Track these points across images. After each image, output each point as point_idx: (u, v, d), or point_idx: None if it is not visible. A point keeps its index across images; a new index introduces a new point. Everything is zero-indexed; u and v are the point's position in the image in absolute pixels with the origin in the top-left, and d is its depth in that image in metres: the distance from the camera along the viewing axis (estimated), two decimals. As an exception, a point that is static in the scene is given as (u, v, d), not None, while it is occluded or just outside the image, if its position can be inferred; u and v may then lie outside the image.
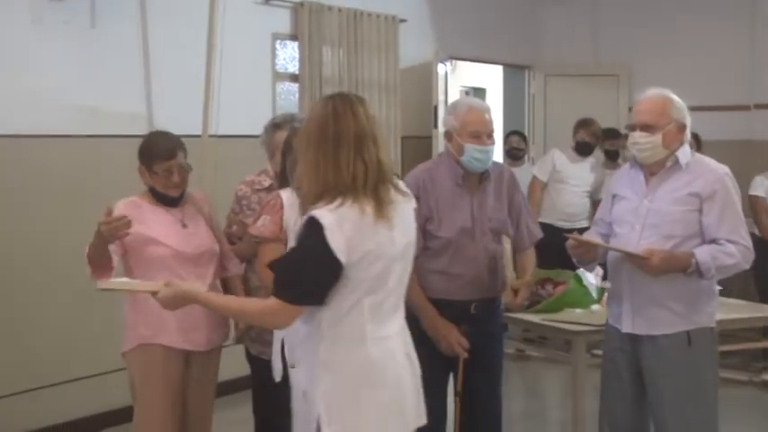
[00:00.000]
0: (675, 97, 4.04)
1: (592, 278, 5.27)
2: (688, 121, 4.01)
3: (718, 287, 5.61)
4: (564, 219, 7.68)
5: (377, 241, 2.92)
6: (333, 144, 2.94)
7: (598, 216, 4.39)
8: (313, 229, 2.85)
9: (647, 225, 3.98)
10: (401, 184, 3.14)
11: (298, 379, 3.13)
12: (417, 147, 8.22)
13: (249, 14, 6.95)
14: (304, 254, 2.90)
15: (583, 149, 7.92)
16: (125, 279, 3.74)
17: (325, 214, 2.86)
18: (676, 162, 3.98)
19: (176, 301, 3.15)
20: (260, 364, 4.25)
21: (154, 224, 3.97)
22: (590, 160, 7.95)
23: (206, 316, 3.90)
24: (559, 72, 10.14)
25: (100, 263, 3.76)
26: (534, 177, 7.94)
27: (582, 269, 5.17)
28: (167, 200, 4.06)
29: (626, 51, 9.87)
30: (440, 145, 8.27)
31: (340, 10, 7.52)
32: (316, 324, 2.97)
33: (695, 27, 9.51)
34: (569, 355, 5.11)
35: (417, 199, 4.18)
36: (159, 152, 3.99)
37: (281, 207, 3.92)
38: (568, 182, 7.84)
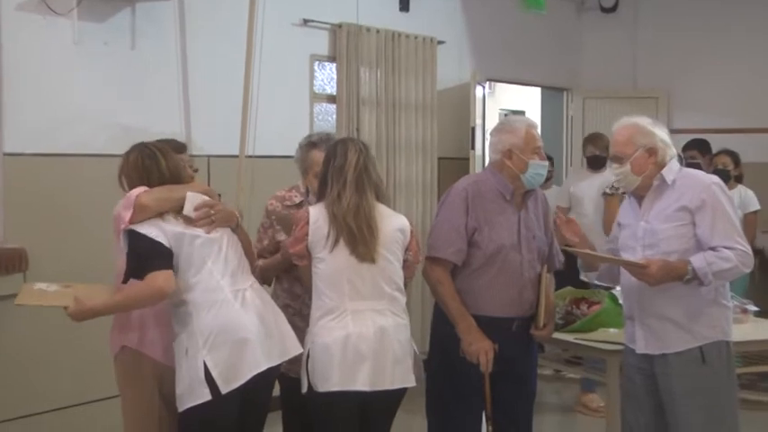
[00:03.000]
0: (644, 122, 4.15)
1: (627, 298, 5.24)
2: (660, 141, 4.09)
3: (754, 307, 5.64)
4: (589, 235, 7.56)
5: (183, 227, 3.75)
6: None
7: (607, 245, 4.50)
8: (131, 233, 3.66)
9: (646, 246, 4.07)
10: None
11: (180, 343, 3.72)
12: (454, 168, 8.21)
13: (287, 36, 7.01)
14: (134, 249, 3.66)
15: (593, 164, 7.74)
16: (42, 287, 3.91)
17: (135, 225, 3.67)
18: (663, 181, 4.07)
19: (83, 317, 3.70)
20: (288, 382, 4.26)
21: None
22: (605, 174, 7.59)
23: None
24: (598, 95, 10.12)
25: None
26: (558, 207, 7.76)
27: (618, 288, 5.20)
28: None
29: (664, 74, 9.85)
30: (476, 166, 8.29)
31: (378, 31, 7.57)
32: (182, 299, 3.72)
33: (734, 50, 9.47)
34: (604, 376, 5.07)
35: (465, 210, 4.25)
36: (172, 146, 4.23)
37: (306, 223, 3.96)
38: (583, 202, 7.64)
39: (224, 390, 3.61)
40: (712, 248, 3.91)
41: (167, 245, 3.67)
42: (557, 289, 5.22)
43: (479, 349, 4.23)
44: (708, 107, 9.56)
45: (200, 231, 3.78)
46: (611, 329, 5.06)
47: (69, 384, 5.72)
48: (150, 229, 3.67)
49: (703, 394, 3.98)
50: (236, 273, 3.86)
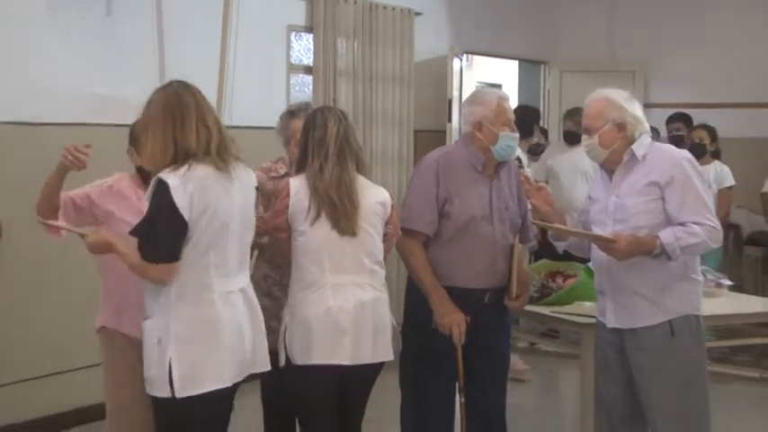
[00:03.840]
0: (616, 97, 4.14)
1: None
2: (631, 116, 4.09)
3: (728, 282, 5.67)
4: (568, 211, 7.64)
5: (215, 198, 3.41)
6: (179, 116, 3.41)
7: (582, 207, 4.52)
8: (161, 190, 3.33)
9: (617, 221, 4.08)
10: (237, 151, 3.60)
11: (152, 328, 3.48)
12: (430, 140, 8.15)
13: (264, 6, 6.95)
14: (155, 215, 3.35)
15: (569, 138, 7.85)
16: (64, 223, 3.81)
17: (170, 176, 3.33)
18: (633, 155, 4.08)
19: (98, 247, 3.52)
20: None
21: (128, 204, 3.88)
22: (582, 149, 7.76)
23: None
24: (575, 68, 10.13)
25: (48, 206, 3.91)
26: (534, 180, 7.79)
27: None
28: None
29: (642, 47, 9.86)
30: (453, 139, 8.27)
31: (355, 2, 7.53)
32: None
33: (712, 23, 9.49)
34: (578, 349, 5.09)
35: (436, 181, 4.26)
36: None
37: (287, 195, 3.92)
38: (560, 176, 7.75)
39: (178, 394, 3.41)
40: (681, 224, 3.92)
41: (187, 219, 3.35)
42: (534, 261, 5.20)
43: (452, 321, 4.23)
44: (685, 81, 9.58)
45: (223, 211, 3.46)
46: (587, 303, 5.07)
47: (53, 352, 5.72)
48: (181, 196, 3.32)
49: (673, 368, 4.00)
50: (233, 272, 3.56)
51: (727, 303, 5.41)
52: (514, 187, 4.50)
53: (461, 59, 9.17)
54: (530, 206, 4.50)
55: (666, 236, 3.89)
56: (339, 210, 3.86)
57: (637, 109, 4.14)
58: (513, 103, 4.78)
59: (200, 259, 3.43)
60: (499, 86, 12.80)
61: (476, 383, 4.42)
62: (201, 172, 3.39)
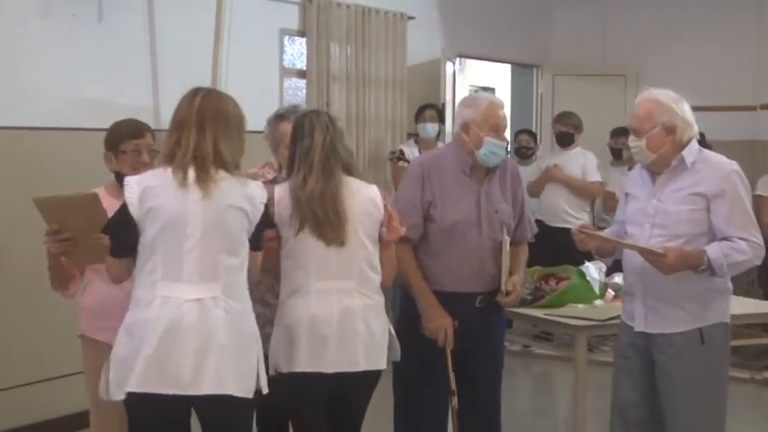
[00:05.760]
0: (666, 99, 4.00)
1: (595, 273, 5.25)
2: (681, 120, 3.96)
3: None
4: (551, 214, 7.71)
5: (165, 197, 3.31)
6: (179, 122, 3.44)
7: (617, 217, 4.40)
8: (124, 189, 3.37)
9: (656, 224, 3.97)
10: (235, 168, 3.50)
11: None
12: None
13: (257, 9, 6.95)
14: (116, 212, 3.38)
15: (562, 140, 8.05)
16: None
17: (134, 176, 3.41)
18: (682, 161, 3.95)
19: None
20: None
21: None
22: (574, 151, 7.95)
23: None
24: (567, 72, 10.14)
25: (62, 276, 3.88)
26: (529, 183, 7.88)
27: (586, 264, 5.23)
28: None
29: (634, 52, 9.87)
30: (446, 141, 8.29)
31: (348, 6, 7.54)
32: (128, 283, 3.43)
33: (703, 28, 9.52)
34: (572, 351, 5.09)
35: (421, 184, 4.25)
36: (128, 131, 3.89)
37: (272, 203, 3.75)
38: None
39: (109, 397, 3.34)
40: (726, 238, 3.84)
41: (135, 216, 3.30)
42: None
43: (439, 326, 4.22)
44: (678, 85, 9.36)
45: (171, 210, 3.31)
46: (580, 305, 5.09)
47: (41, 359, 5.69)
48: (132, 192, 3.32)
49: (700, 375, 3.94)
50: (190, 279, 3.32)
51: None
52: (509, 188, 4.46)
53: (454, 63, 9.19)
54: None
55: (714, 252, 3.80)
56: (323, 222, 3.74)
57: (686, 111, 4.00)
58: (506, 108, 4.74)
59: (149, 259, 3.32)
60: (492, 90, 12.91)
61: (471, 386, 4.41)
62: (163, 173, 3.36)
